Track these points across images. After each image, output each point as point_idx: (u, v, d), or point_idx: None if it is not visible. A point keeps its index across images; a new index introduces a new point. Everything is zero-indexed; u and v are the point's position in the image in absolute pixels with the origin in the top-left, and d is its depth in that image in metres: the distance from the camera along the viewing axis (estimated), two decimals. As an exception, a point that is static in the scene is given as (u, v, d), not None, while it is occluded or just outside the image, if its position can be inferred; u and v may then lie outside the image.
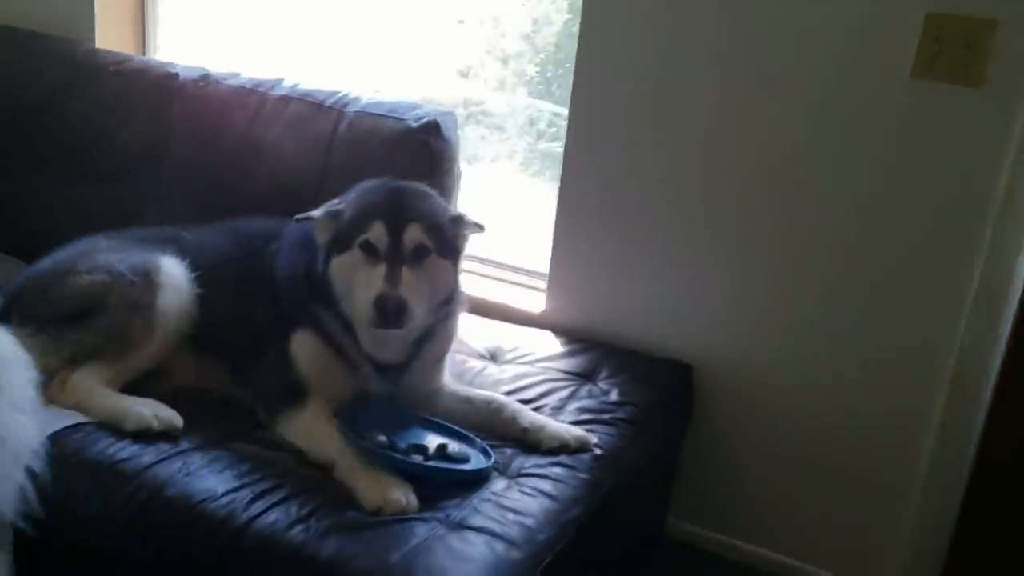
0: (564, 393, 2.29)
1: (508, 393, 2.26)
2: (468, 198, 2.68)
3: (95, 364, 2.02)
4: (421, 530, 1.71)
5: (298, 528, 1.69)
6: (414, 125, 2.46)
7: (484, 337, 2.55)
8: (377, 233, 1.92)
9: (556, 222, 2.60)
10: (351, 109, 2.56)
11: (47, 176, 2.84)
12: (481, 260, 2.82)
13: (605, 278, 2.58)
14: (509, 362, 2.46)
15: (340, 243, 1.97)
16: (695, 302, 2.50)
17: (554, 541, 1.77)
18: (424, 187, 2.11)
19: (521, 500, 1.85)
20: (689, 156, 2.42)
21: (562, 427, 2.08)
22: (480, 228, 2.09)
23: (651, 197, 2.48)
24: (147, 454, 1.85)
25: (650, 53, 2.39)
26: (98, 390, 1.98)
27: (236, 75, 2.75)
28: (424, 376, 2.13)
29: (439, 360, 2.17)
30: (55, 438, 1.86)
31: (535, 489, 1.89)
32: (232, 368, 2.13)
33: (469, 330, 2.55)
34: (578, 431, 2.08)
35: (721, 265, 2.45)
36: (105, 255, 2.15)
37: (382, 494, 1.77)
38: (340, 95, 2.60)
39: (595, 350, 2.52)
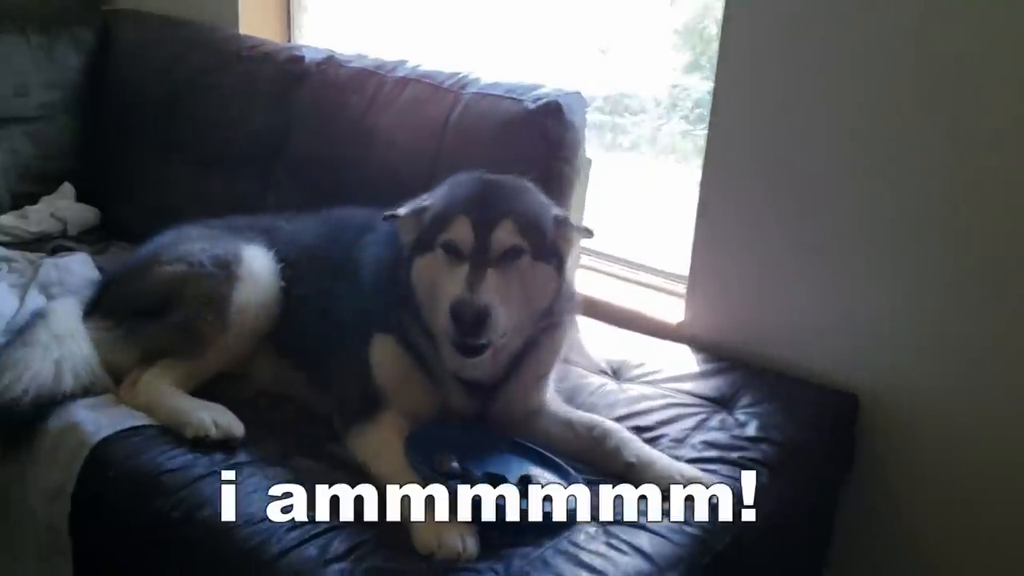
0: (690, 422, 1.93)
1: (623, 418, 1.93)
2: (601, 190, 2.36)
3: (166, 362, 1.89)
4: (473, 579, 1.43)
5: (332, 568, 1.46)
6: (531, 107, 2.17)
7: (609, 348, 2.22)
8: (461, 231, 1.65)
9: (697, 217, 2.22)
10: (469, 91, 2.31)
11: (180, 164, 2.79)
12: (614, 259, 2.48)
13: (755, 284, 2.18)
14: (632, 380, 2.12)
15: (423, 243, 1.72)
16: (866, 316, 2.05)
17: (637, 612, 1.43)
18: (523, 181, 1.81)
19: (606, 556, 1.52)
20: (862, 139, 1.97)
21: (676, 465, 1.72)
22: (588, 233, 1.78)
23: (812, 188, 2.05)
24: (198, 466, 1.68)
25: (824, 14, 1.96)
26: (165, 391, 1.84)
27: (361, 56, 2.58)
28: (521, 396, 1.84)
29: (541, 379, 1.87)
30: (111, 440, 1.74)
31: (627, 543, 1.55)
32: (313, 372, 1.94)
33: (593, 339, 2.24)
34: (694, 472, 1.71)
35: (900, 271, 1.98)
36: (190, 244, 2.02)
37: (436, 535, 1.50)
38: (460, 76, 2.36)
39: (738, 371, 2.12)
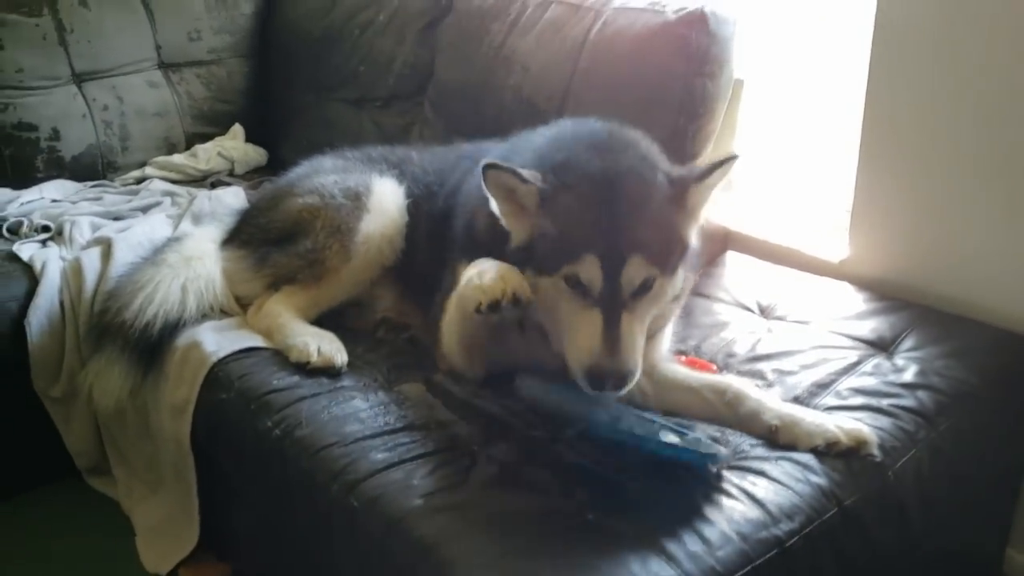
0: (839, 365, 1.71)
1: (762, 358, 1.76)
2: (754, 113, 2.14)
3: (290, 289, 1.89)
4: (558, 525, 1.32)
5: (415, 489, 1.39)
6: (672, 17, 1.99)
7: (759, 286, 2.02)
8: (589, 272, 1.43)
9: (862, 137, 1.95)
10: (611, 6, 2.15)
11: (337, 103, 2.80)
12: (771, 191, 2.25)
13: (928, 211, 1.90)
14: (781, 318, 1.91)
15: (538, 259, 1.48)
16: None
17: (736, 563, 1.27)
18: (641, 161, 1.52)
19: (713, 500, 1.36)
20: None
21: (826, 419, 1.51)
22: (729, 162, 1.50)
23: (999, 100, 1.74)
24: (303, 387, 1.67)
25: None
26: (284, 317, 1.84)
27: (510, -23, 2.47)
28: None
29: (654, 336, 1.61)
30: (228, 360, 1.77)
31: (739, 487, 1.38)
32: (424, 303, 1.88)
33: (742, 276, 2.05)
34: (852, 424, 1.50)
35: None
36: (324, 176, 2.00)
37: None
38: (604, -8, 2.21)
39: (906, 312, 1.87)
